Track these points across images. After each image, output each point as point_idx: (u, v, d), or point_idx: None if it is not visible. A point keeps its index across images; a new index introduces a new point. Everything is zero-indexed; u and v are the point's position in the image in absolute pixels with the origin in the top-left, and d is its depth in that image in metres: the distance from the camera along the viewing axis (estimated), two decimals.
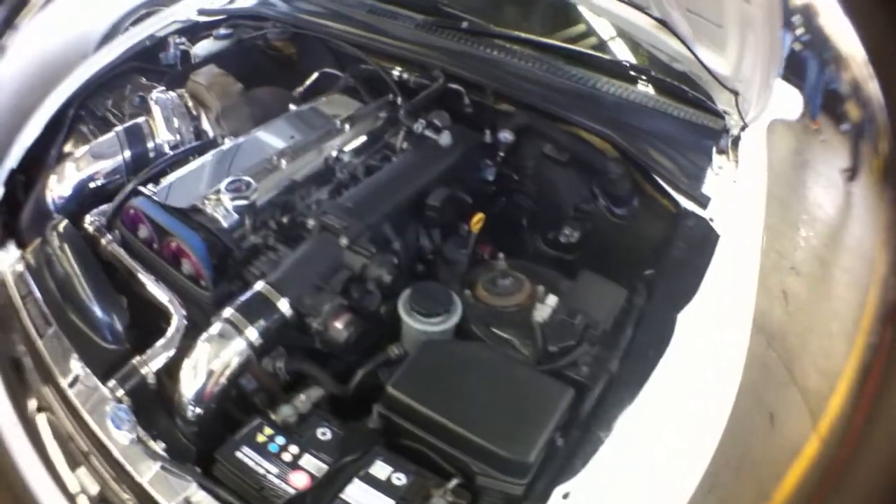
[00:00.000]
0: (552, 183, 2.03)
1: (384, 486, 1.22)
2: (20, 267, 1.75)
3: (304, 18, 2.36)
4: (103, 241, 1.74)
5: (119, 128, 2.03)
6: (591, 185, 1.95)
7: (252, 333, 1.41)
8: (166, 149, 2.00)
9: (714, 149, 1.90)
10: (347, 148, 1.94)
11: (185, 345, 1.47)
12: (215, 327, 1.43)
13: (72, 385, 1.48)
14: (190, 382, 1.40)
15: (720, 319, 1.51)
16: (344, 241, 1.58)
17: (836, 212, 3.88)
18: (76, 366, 1.51)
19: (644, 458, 1.29)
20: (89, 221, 1.79)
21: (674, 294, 1.50)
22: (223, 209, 1.67)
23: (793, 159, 3.44)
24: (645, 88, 2.08)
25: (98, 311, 1.59)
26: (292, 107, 2.08)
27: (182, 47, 2.44)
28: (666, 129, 1.94)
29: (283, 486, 1.24)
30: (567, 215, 1.97)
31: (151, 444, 1.34)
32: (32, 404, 1.66)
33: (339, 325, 1.46)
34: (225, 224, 1.66)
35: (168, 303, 1.57)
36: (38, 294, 1.67)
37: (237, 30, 2.45)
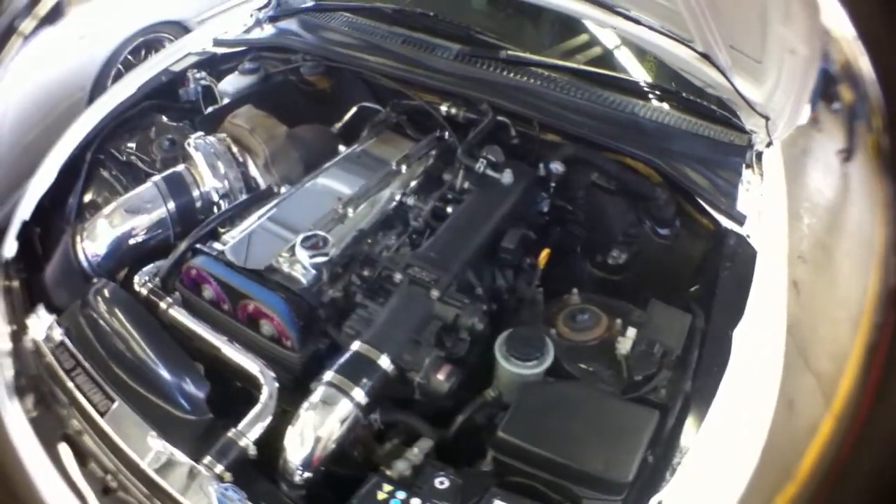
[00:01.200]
0: (601, 210, 2.07)
1: None
2: (58, 335, 1.65)
3: (337, 51, 2.30)
4: (162, 305, 1.68)
5: (157, 178, 1.95)
6: (637, 209, 2.02)
7: (358, 394, 1.42)
8: (214, 197, 1.95)
9: (743, 165, 1.99)
10: (407, 190, 1.94)
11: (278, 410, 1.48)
12: (318, 393, 1.43)
13: (155, 464, 1.42)
14: (297, 450, 1.39)
15: (762, 330, 1.63)
16: (435, 293, 1.60)
17: (835, 195, 3.99)
18: (156, 443, 1.44)
19: (716, 461, 1.42)
20: (141, 282, 1.73)
21: (728, 312, 1.61)
22: (300, 266, 1.65)
23: (792, 150, 3.49)
24: (667, 107, 2.14)
25: (172, 380, 1.53)
26: (342, 148, 2.06)
27: (203, 82, 2.36)
28: (699, 150, 2.01)
29: None
30: (615, 239, 2.03)
31: None
32: (95, 487, 1.55)
33: (441, 377, 1.48)
34: (304, 282, 1.64)
35: (257, 369, 1.53)
36: (88, 365, 1.58)
37: (262, 62, 2.39)
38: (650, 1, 2.05)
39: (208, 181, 1.95)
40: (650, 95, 2.16)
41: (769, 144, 2.05)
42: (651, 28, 2.08)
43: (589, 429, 1.40)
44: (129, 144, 2.16)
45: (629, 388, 1.52)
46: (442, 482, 1.35)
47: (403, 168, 1.99)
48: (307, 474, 1.40)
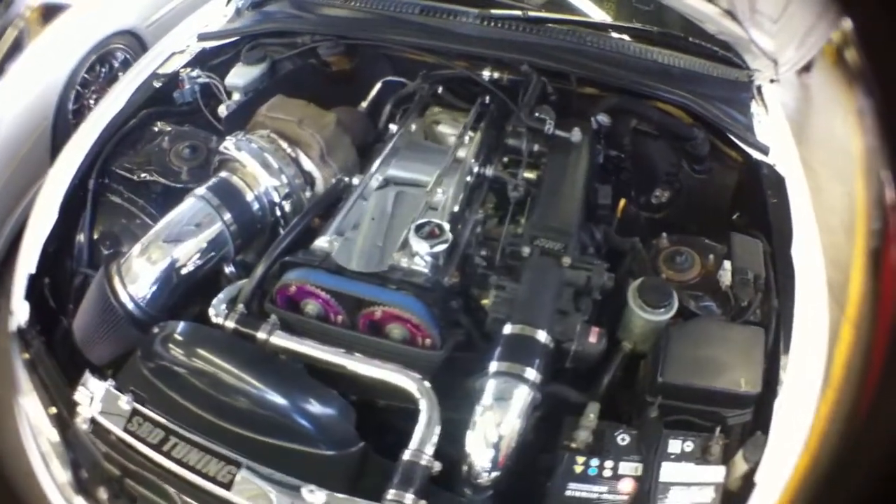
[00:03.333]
0: (644, 154, 2.11)
1: (682, 456, 1.33)
2: (125, 404, 1.39)
3: (354, 28, 2.16)
4: (261, 334, 1.48)
5: (201, 190, 1.71)
6: (675, 150, 2.07)
7: (531, 374, 1.38)
8: (275, 197, 1.77)
9: (751, 100, 2.10)
10: (481, 161, 1.87)
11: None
12: (489, 389, 1.37)
13: None
14: (482, 453, 1.33)
15: (805, 247, 1.72)
16: (567, 260, 1.58)
17: (798, 107, 4.13)
18: (318, 497, 1.25)
19: (802, 366, 1.50)
20: (221, 314, 1.53)
21: (782, 235, 1.71)
22: (420, 259, 1.54)
23: None
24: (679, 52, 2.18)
25: (309, 415, 1.36)
26: (392, 128, 1.94)
27: (200, 80, 2.15)
28: (716, 89, 2.08)
29: (617, 497, 1.29)
30: (657, 180, 2.09)
31: None
32: None
33: (593, 340, 1.47)
34: (427, 273, 1.52)
35: (408, 380, 1.41)
36: (183, 431, 1.35)
37: (262, 49, 2.20)
38: None
39: (264, 181, 1.75)
40: (664, 42, 2.19)
41: (773, 81, 2.17)
42: None
43: (723, 355, 1.46)
44: (137, 160, 1.93)
45: (737, 314, 1.59)
46: (623, 438, 1.37)
47: (466, 139, 1.91)
48: (495, 474, 1.33)
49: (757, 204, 1.84)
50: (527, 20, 2.16)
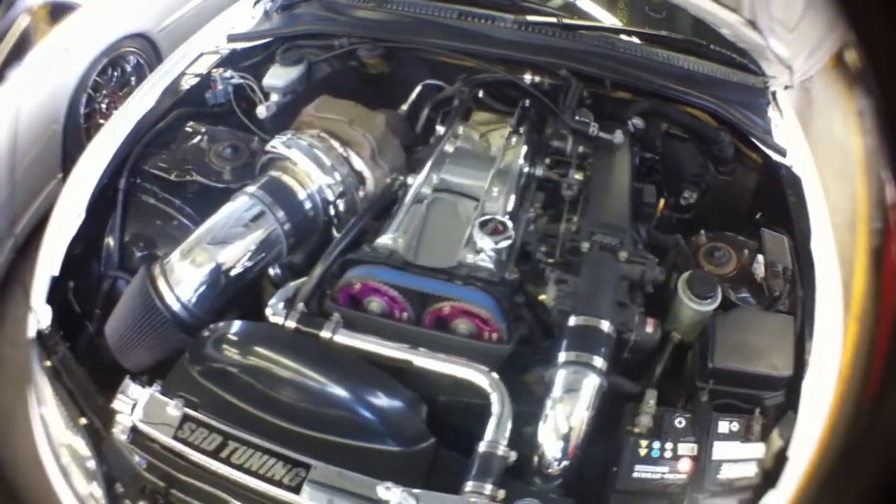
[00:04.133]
0: (675, 157, 2.15)
1: (730, 436, 1.40)
2: (174, 410, 1.34)
3: (394, 31, 2.17)
4: (324, 332, 1.46)
5: (252, 188, 1.68)
6: (702, 152, 2.13)
7: (599, 362, 1.41)
8: (329, 195, 1.75)
9: (767, 105, 2.18)
10: (529, 163, 1.90)
11: None
12: (560, 383, 1.40)
13: None
14: (554, 444, 1.37)
15: (822, 242, 1.82)
16: (623, 255, 1.61)
17: (799, 109, 4.18)
18: (394, 494, 1.22)
19: (825, 350, 1.57)
20: (279, 312, 1.51)
21: (802, 231, 1.81)
22: (485, 255, 1.56)
23: None
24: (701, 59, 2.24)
25: (381, 412, 1.36)
26: (439, 129, 1.95)
27: (234, 81, 2.12)
28: (735, 95, 2.15)
29: (677, 476, 1.35)
30: (684, 182, 2.13)
31: None
32: None
33: (650, 330, 1.52)
34: (491, 269, 1.54)
35: (479, 374, 1.41)
36: (244, 435, 1.31)
37: (298, 51, 2.18)
38: None
39: (317, 179, 1.73)
40: (687, 49, 2.25)
41: (787, 87, 2.26)
42: None
43: (761, 342, 1.54)
44: (172, 160, 1.89)
45: (770, 304, 1.66)
46: (680, 422, 1.42)
47: (513, 141, 1.94)
48: (565, 463, 1.36)
49: (777, 203, 1.93)
50: (561, 26, 2.19)
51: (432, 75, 2.16)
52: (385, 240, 1.59)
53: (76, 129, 2.86)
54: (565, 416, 1.36)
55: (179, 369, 1.45)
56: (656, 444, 1.38)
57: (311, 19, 2.25)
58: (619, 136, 1.94)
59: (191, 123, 2.00)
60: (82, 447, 1.49)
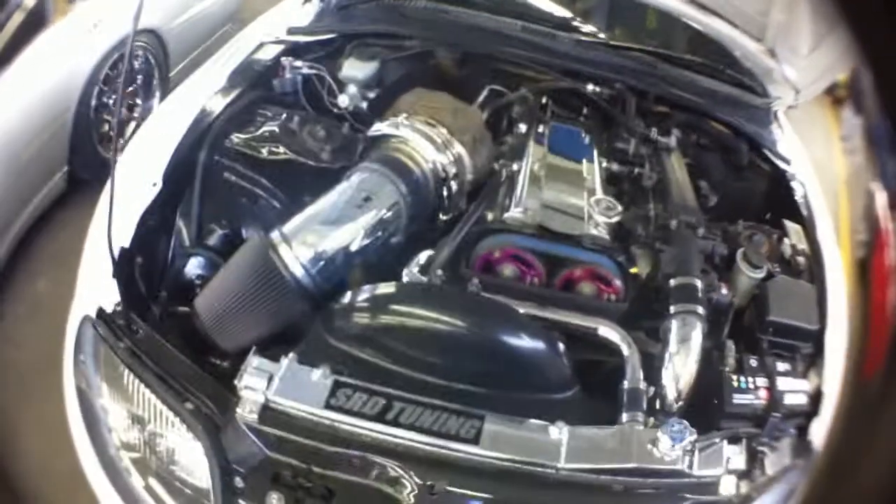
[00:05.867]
0: (701, 163, 2.34)
1: (786, 373, 1.60)
2: (324, 378, 1.30)
3: (470, 40, 2.29)
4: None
5: (371, 164, 1.68)
6: (724, 161, 2.35)
7: (701, 310, 1.58)
8: (442, 174, 1.77)
9: (771, 122, 2.47)
10: (608, 160, 2.07)
11: None
12: (675, 332, 1.55)
13: (588, 454, 1.31)
14: (674, 387, 1.51)
15: (826, 232, 2.10)
16: (701, 231, 1.82)
17: None
18: (563, 432, 1.30)
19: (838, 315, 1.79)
20: (417, 278, 1.54)
21: (811, 223, 2.07)
22: (602, 228, 1.71)
23: None
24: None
25: (537, 362, 1.44)
26: (522, 126, 2.06)
27: (304, 71, 2.09)
28: (746, 112, 2.42)
29: (760, 402, 1.54)
30: (710, 185, 2.32)
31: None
32: None
33: (725, 292, 1.71)
34: (608, 239, 1.69)
35: (613, 331, 1.53)
36: (411, 396, 1.30)
37: (371, 48, 2.22)
38: (743, 12, 2.44)
39: (431, 156, 1.76)
40: (707, 72, 2.51)
41: (791, 107, 2.55)
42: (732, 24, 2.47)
43: (798, 302, 1.74)
44: (258, 138, 1.84)
45: (796, 276, 1.88)
46: (753, 363, 1.61)
47: (586, 140, 2.11)
48: (681, 402, 1.50)
49: (785, 205, 2.18)
50: (608, 45, 2.44)
51: (494, 81, 2.26)
52: (515, 213, 1.68)
53: (86, 123, 2.71)
54: (683, 359, 1.51)
55: (314, 338, 1.39)
56: (742, 379, 1.57)
57: (375, 20, 2.31)
58: (673, 140, 2.18)
59: (267, 107, 1.96)
60: (169, 440, 1.37)
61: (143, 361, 1.40)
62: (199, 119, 1.82)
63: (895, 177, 2.55)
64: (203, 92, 1.93)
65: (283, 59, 2.11)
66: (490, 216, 1.73)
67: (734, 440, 1.41)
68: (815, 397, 1.60)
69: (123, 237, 1.55)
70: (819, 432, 1.54)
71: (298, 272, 1.46)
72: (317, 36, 2.25)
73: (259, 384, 1.27)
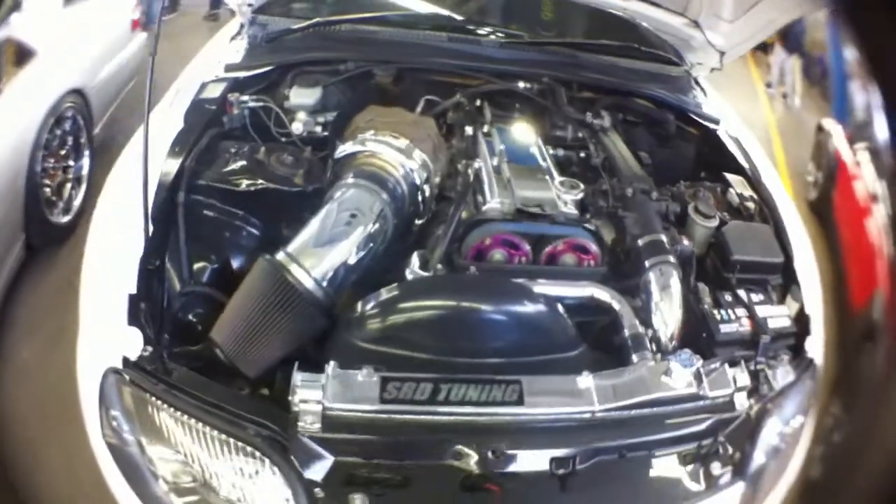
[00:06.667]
0: (631, 139, 2.50)
1: (762, 302, 1.82)
2: (371, 377, 1.39)
3: (403, 56, 2.41)
4: None
5: (349, 181, 1.77)
6: (651, 133, 2.56)
7: (673, 259, 1.81)
8: (417, 179, 1.87)
9: (691, 88, 2.71)
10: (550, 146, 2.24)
11: None
12: (654, 282, 1.75)
13: (615, 394, 1.49)
14: (665, 327, 1.72)
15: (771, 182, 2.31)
16: (655, 195, 2.06)
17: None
18: (592, 380, 1.49)
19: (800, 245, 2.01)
20: (421, 273, 1.67)
21: (754, 172, 2.29)
22: (570, 206, 1.89)
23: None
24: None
25: (552, 329, 1.59)
26: (468, 129, 2.24)
27: (251, 104, 2.14)
28: (668, 83, 2.65)
29: (746, 329, 1.73)
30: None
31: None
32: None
33: (687, 244, 1.92)
34: (576, 213, 1.87)
35: (601, 289, 1.73)
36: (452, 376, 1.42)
37: (311, 75, 2.29)
38: None
39: (403, 162, 1.86)
40: (625, 53, 2.71)
41: (714, 70, 2.79)
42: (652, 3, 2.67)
43: (757, 241, 1.94)
44: (230, 172, 1.88)
45: (747, 218, 2.09)
46: (728, 297, 1.81)
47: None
48: (674, 342, 1.69)
49: (722, 160, 2.38)
50: (529, 43, 2.62)
51: (430, 92, 2.39)
52: (494, 204, 1.84)
53: (36, 190, 2.69)
54: (668, 303, 1.71)
55: (343, 345, 1.49)
56: (722, 312, 1.75)
57: (308, 48, 2.39)
58: (607, 120, 2.37)
59: (229, 142, 2.02)
60: (230, 474, 1.38)
61: (192, 400, 1.41)
62: (169, 161, 1.85)
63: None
64: (163, 135, 1.94)
65: (229, 95, 2.15)
66: (471, 211, 1.86)
67: (733, 363, 1.59)
68: (801, 319, 1.79)
69: (125, 284, 1.54)
70: (813, 349, 1.73)
71: (311, 286, 1.54)
72: (254, 70, 2.30)
73: (313, 395, 1.35)
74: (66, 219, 3.09)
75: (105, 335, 1.53)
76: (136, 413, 1.42)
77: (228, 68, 2.31)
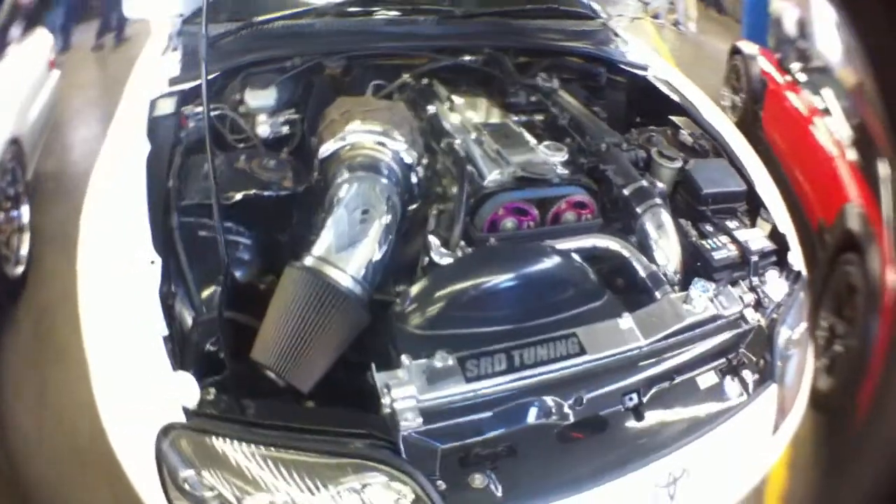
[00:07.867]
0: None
1: (737, 228, 1.99)
2: (449, 361, 1.43)
3: (345, 45, 2.40)
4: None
5: (345, 175, 1.78)
6: (584, 86, 2.67)
7: (660, 201, 1.97)
8: (407, 159, 1.91)
9: (613, 40, 2.82)
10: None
11: None
12: (650, 223, 1.90)
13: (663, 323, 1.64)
14: (669, 263, 1.88)
15: (710, 112, 2.49)
16: (625, 146, 2.20)
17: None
18: (630, 320, 1.62)
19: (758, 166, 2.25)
20: (444, 253, 1.71)
21: (695, 109, 2.44)
22: (558, 166, 1.97)
23: None
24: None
25: (583, 285, 1.69)
26: (430, 108, 2.27)
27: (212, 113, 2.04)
28: (591, 37, 2.76)
29: (734, 253, 1.89)
30: None
31: None
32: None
33: (662, 186, 2.07)
34: (568, 172, 1.97)
35: (610, 240, 1.85)
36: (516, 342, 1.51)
37: (260, 76, 2.25)
38: None
39: (392, 145, 1.89)
40: (548, 15, 2.80)
41: (635, 19, 3.00)
42: None
43: (719, 173, 2.11)
44: (207, 188, 1.73)
45: (703, 156, 2.23)
46: (708, 227, 1.99)
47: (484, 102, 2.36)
48: (678, 275, 1.86)
49: (658, 107, 2.49)
50: (463, 16, 2.66)
51: (377, 77, 2.41)
52: (495, 175, 1.87)
53: None
54: (666, 241, 1.87)
55: (402, 336, 1.50)
56: (709, 241, 1.91)
57: (248, 50, 2.32)
58: (555, 82, 2.48)
59: (199, 156, 1.94)
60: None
61: (282, 433, 1.36)
62: (150, 186, 1.78)
63: None
64: (133, 160, 1.88)
65: (182, 108, 2.09)
66: (475, 185, 1.86)
67: (734, 284, 1.77)
68: (777, 237, 1.95)
69: (159, 325, 1.47)
70: (795, 260, 1.92)
71: (351, 284, 1.55)
72: (199, 80, 2.12)
73: (405, 392, 1.35)
74: (19, 270, 2.98)
75: (139, 388, 1.45)
76: (219, 466, 1.34)
77: (173, 81, 2.23)
